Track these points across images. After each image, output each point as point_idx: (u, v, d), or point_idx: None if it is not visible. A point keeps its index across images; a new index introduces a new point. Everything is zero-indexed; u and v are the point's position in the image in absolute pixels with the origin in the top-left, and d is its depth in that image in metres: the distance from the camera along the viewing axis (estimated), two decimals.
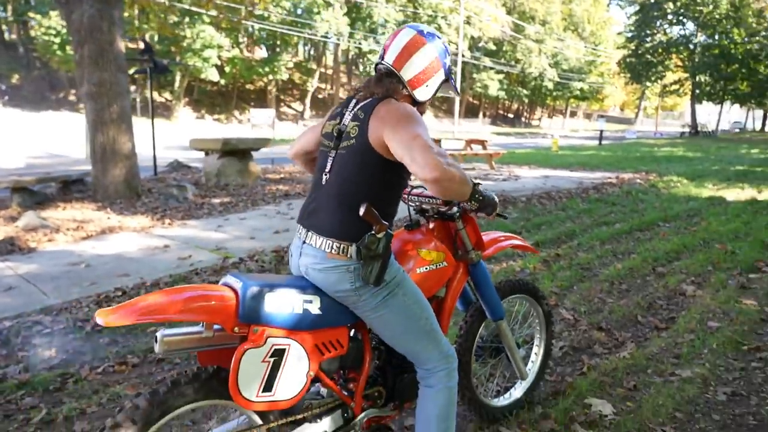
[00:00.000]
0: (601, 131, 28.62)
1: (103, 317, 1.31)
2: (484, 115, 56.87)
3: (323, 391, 1.79)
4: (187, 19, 31.75)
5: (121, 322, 1.32)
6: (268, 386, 1.48)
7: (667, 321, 3.41)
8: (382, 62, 1.68)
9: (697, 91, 41.77)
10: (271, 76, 40.69)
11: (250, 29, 41.08)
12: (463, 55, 44.08)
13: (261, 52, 46.34)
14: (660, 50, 41.43)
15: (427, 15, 43.54)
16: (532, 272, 4.48)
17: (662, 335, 3.17)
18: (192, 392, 1.46)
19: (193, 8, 29.63)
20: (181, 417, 1.69)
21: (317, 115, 45.02)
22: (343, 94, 51.35)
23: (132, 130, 8.30)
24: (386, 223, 1.54)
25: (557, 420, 2.26)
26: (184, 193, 7.66)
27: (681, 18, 40.67)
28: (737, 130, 54.61)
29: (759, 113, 54.28)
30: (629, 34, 45.47)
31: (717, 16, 38.17)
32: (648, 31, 41.91)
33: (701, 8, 38.37)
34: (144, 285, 4.14)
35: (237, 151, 9.36)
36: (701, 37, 40.19)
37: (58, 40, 26.95)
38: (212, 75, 35.91)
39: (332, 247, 1.55)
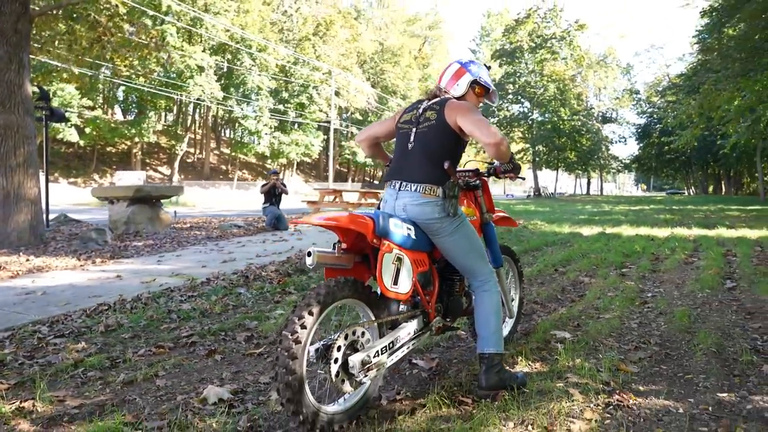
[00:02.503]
0: None
1: (299, 222, 1.97)
2: (353, 180, 59.54)
3: (402, 308, 2.46)
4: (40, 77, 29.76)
5: (314, 224, 2.02)
6: (395, 281, 2.14)
7: (579, 296, 4.52)
8: (440, 86, 2.53)
9: (537, 159, 48.37)
10: (137, 139, 39.13)
11: (106, 91, 39.42)
12: (333, 124, 46.52)
13: (117, 114, 44.38)
14: (505, 124, 47.64)
15: (299, 85, 45.54)
16: None
17: (580, 303, 4.25)
18: (346, 290, 2.08)
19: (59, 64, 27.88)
20: (337, 310, 2.26)
21: (186, 179, 43.68)
22: (213, 158, 50.60)
23: (38, 176, 8.03)
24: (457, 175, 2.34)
25: (538, 341, 3.12)
26: (103, 237, 7.53)
27: (520, 98, 47.53)
28: (585, 193, 63.46)
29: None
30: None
31: (547, 98, 45.33)
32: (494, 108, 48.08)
33: (534, 90, 45.37)
34: (125, 300, 4.31)
35: (148, 199, 9.35)
36: (536, 114, 47.14)
37: None
38: (71, 136, 33.66)
39: (425, 189, 2.29)
